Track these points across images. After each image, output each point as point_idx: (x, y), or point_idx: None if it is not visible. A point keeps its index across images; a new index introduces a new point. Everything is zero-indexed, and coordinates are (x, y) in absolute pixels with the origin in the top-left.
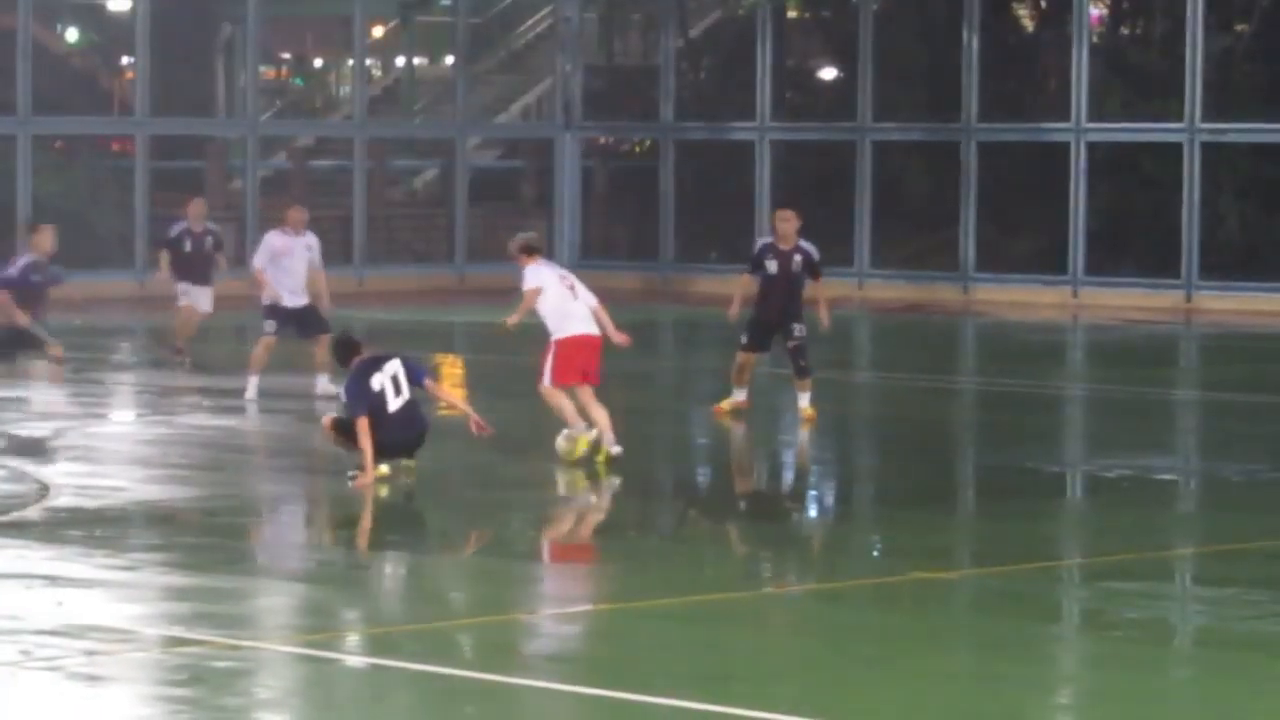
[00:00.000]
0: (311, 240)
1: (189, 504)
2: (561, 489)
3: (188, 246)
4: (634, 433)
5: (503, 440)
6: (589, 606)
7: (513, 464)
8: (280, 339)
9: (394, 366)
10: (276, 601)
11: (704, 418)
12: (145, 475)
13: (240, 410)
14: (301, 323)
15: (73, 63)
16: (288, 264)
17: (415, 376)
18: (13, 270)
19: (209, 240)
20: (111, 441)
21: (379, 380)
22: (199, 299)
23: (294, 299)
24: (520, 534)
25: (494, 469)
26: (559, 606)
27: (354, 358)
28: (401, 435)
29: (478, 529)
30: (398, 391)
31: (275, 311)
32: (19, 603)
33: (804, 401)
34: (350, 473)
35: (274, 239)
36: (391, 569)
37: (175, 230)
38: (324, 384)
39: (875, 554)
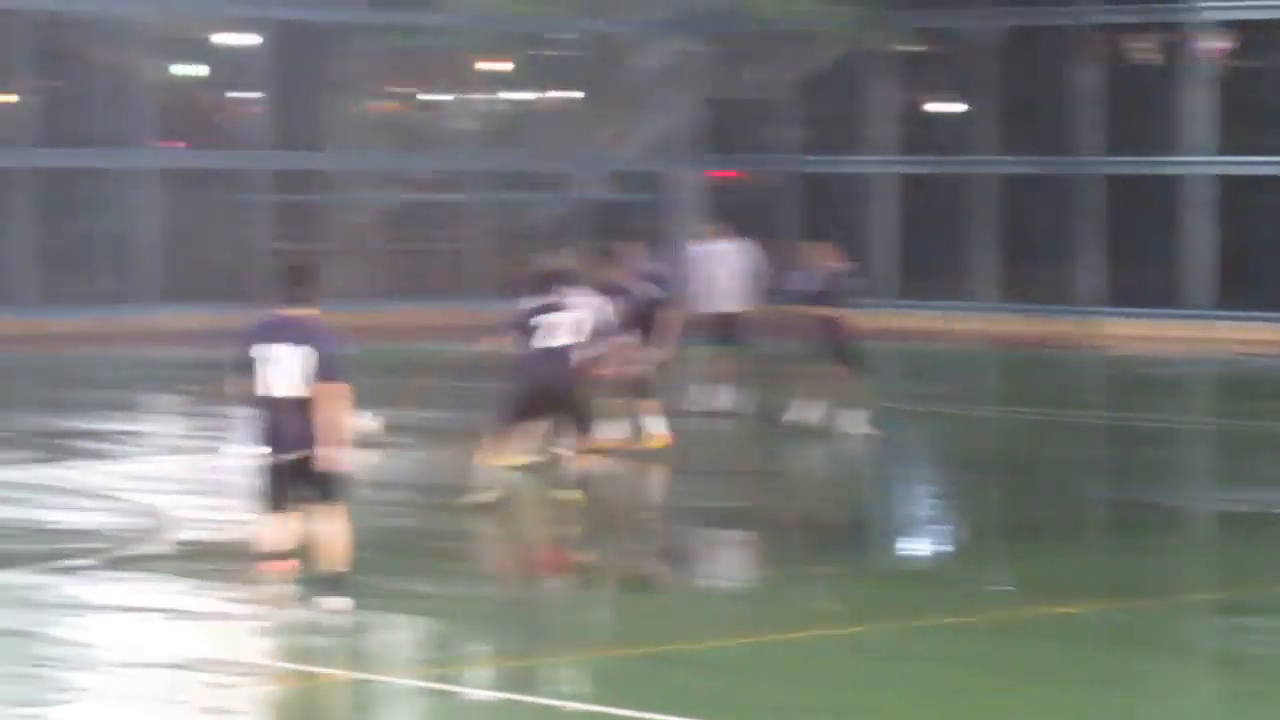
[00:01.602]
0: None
1: (310, 537)
2: (691, 521)
3: None
4: (767, 466)
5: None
6: (720, 640)
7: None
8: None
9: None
10: (401, 635)
11: (844, 452)
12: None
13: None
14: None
15: (191, 97)
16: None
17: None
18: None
19: None
20: (233, 475)
21: None
22: None
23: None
24: (652, 566)
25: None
26: (691, 640)
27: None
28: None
29: (611, 559)
30: None
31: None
32: (143, 636)
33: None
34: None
35: None
36: (524, 600)
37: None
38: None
39: (1000, 588)
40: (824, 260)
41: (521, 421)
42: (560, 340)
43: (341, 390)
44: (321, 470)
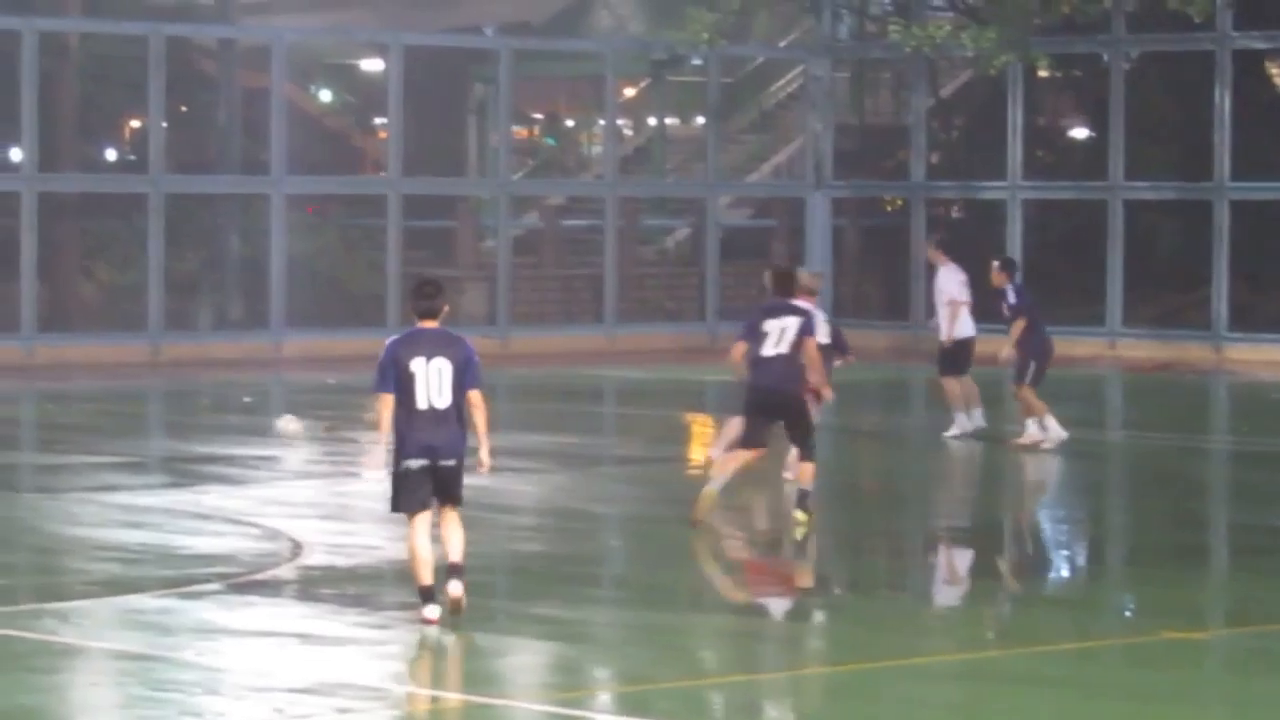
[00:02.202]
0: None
1: (439, 562)
2: (797, 543)
3: None
4: (877, 492)
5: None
6: (836, 666)
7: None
8: None
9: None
10: (529, 659)
11: (943, 474)
12: (398, 533)
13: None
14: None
15: (326, 123)
16: None
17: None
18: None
19: None
20: (364, 500)
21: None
22: None
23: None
24: (766, 592)
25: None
26: (805, 666)
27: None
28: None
29: (716, 584)
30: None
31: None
32: (272, 660)
33: None
34: None
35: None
36: (643, 626)
37: None
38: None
39: (1128, 613)
40: (998, 282)
41: (751, 431)
42: (786, 348)
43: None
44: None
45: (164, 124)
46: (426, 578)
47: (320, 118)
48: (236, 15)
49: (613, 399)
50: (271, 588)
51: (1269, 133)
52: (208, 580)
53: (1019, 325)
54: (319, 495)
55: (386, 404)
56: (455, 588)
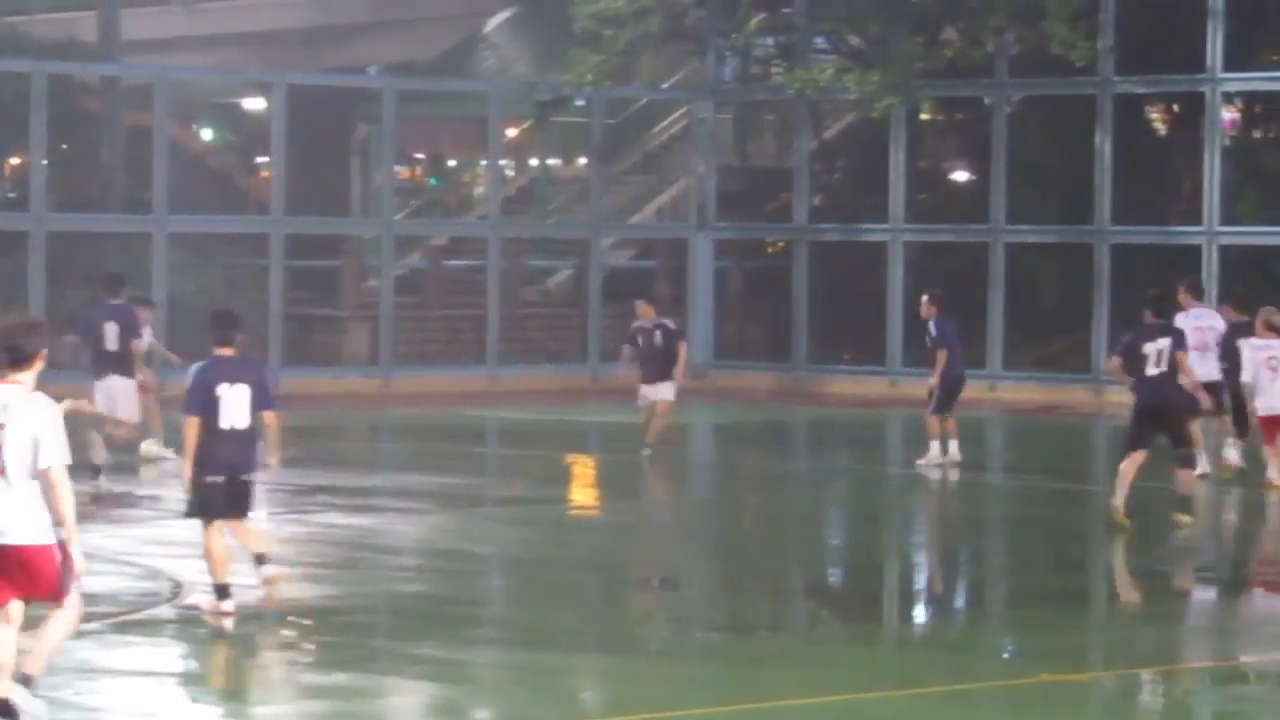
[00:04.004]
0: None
1: (322, 603)
2: (676, 585)
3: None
4: (765, 533)
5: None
6: (714, 707)
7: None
8: None
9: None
10: (409, 700)
11: (831, 517)
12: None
13: (371, 509)
14: None
15: (210, 162)
16: None
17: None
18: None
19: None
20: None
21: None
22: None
23: None
24: (649, 631)
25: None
26: (683, 706)
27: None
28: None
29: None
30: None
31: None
32: (151, 700)
33: None
34: None
35: None
36: (524, 666)
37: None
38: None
39: (1005, 655)
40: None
41: (1136, 447)
42: (1162, 367)
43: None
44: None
45: (45, 162)
46: (223, 575)
47: (204, 156)
48: (120, 53)
49: (495, 440)
50: (151, 627)
51: (1149, 177)
52: (87, 620)
53: (941, 356)
54: (199, 535)
55: (193, 426)
56: (270, 569)
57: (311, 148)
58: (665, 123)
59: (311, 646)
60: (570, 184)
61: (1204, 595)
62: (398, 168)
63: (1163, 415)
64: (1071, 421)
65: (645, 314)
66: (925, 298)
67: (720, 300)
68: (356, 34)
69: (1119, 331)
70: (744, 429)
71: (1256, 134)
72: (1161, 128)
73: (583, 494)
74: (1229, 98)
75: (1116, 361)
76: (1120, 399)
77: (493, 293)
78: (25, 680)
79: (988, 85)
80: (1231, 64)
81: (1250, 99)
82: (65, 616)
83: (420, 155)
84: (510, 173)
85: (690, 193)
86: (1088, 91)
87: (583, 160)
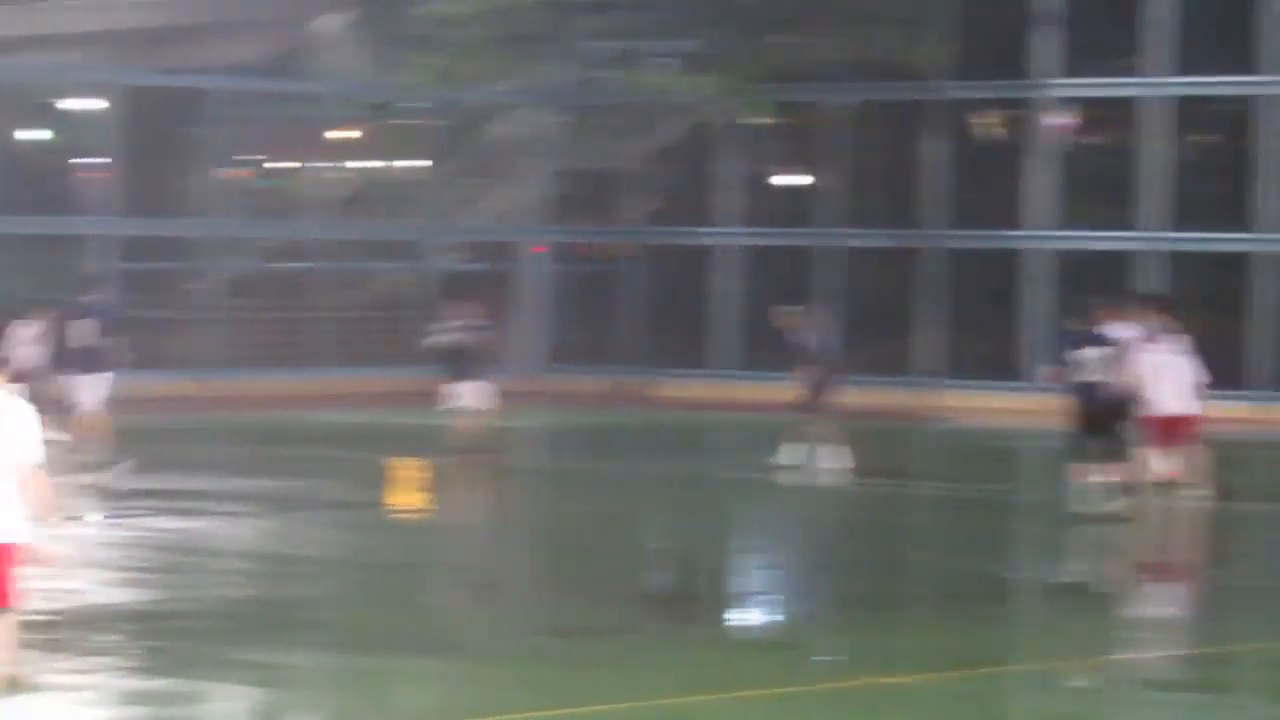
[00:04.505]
0: None
1: (145, 607)
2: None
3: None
4: (592, 536)
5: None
6: (542, 710)
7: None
8: None
9: None
10: (232, 705)
11: (659, 520)
12: (105, 578)
13: (196, 513)
14: None
15: (41, 162)
16: None
17: None
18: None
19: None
20: (66, 544)
21: None
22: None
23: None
24: (478, 635)
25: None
26: (511, 710)
27: None
28: None
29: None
30: None
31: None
32: None
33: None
34: None
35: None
36: (350, 670)
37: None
38: None
39: (830, 658)
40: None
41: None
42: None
43: None
44: None
45: None
46: None
47: (35, 157)
48: None
49: (323, 443)
50: None
51: (981, 182)
52: None
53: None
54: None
55: None
56: None
57: (145, 149)
58: (502, 126)
59: (136, 651)
60: (405, 187)
61: (1043, 598)
62: (232, 169)
63: (1099, 419)
64: (902, 425)
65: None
66: (791, 309)
67: (556, 304)
68: (193, 35)
69: (952, 335)
70: (575, 432)
71: (1088, 140)
72: (995, 133)
73: (409, 497)
74: (1062, 103)
75: (1052, 370)
76: (953, 402)
77: (324, 295)
78: None
79: (823, 90)
80: (1064, 70)
81: (1084, 105)
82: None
83: (254, 157)
84: (344, 175)
85: (526, 196)
86: (922, 97)
87: (418, 163)
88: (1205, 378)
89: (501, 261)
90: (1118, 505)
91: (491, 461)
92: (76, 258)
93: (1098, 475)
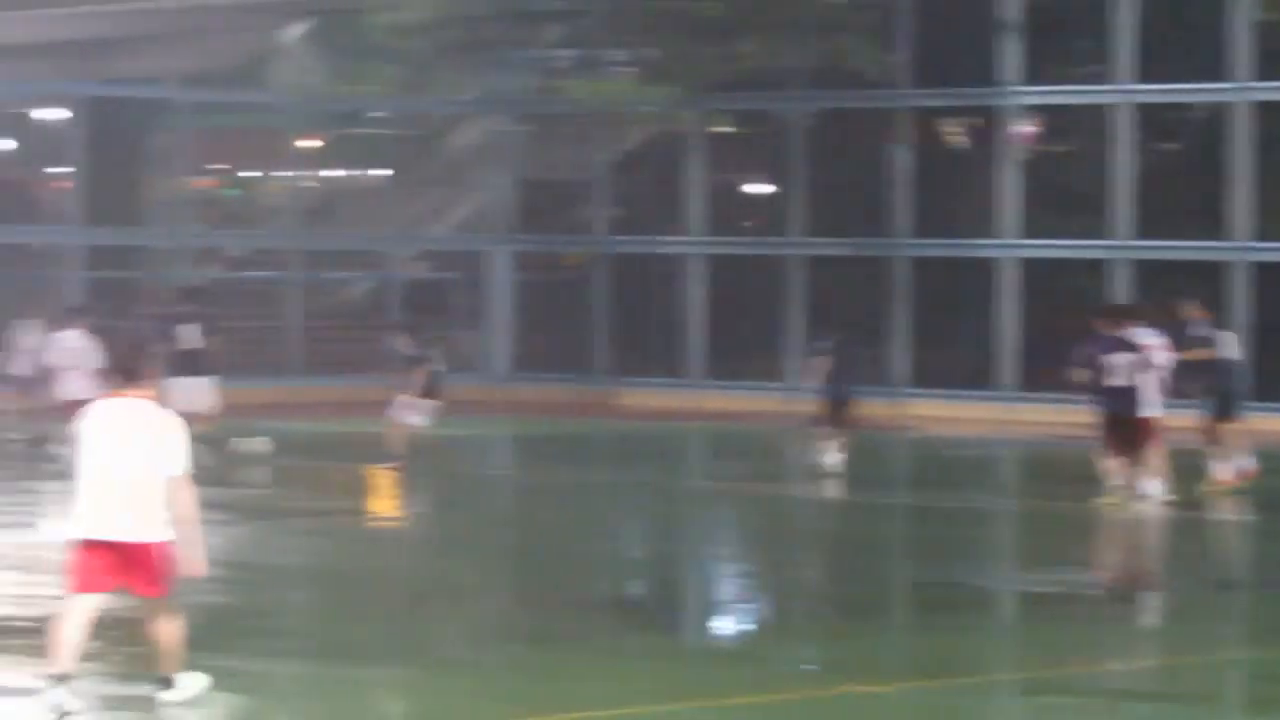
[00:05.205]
0: None
1: (126, 613)
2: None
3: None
4: (563, 545)
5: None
6: (520, 719)
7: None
8: None
9: None
10: (207, 713)
11: (630, 530)
12: None
13: None
14: None
15: (2, 172)
16: None
17: None
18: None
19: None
20: (46, 550)
21: None
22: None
23: None
24: (449, 644)
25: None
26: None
27: None
28: None
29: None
30: None
31: None
32: None
33: None
34: None
35: None
36: (324, 678)
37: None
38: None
39: (806, 667)
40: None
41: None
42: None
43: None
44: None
45: None
46: None
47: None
48: None
49: (292, 452)
50: None
51: (946, 190)
52: None
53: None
54: (0, 546)
55: None
56: None
57: (107, 158)
58: (463, 135)
59: (116, 658)
60: (368, 196)
61: (1021, 606)
62: (194, 179)
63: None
64: (869, 434)
65: None
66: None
67: (519, 313)
68: (152, 45)
69: (919, 343)
70: (540, 441)
71: (1053, 148)
72: (958, 141)
73: (378, 506)
74: (1025, 111)
75: (1080, 373)
76: (920, 411)
77: (290, 305)
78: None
79: (784, 98)
80: (1028, 77)
81: (1046, 112)
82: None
83: (217, 166)
84: (308, 184)
85: (489, 205)
86: (885, 104)
87: (381, 172)
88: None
89: (465, 271)
90: (1134, 505)
91: (456, 471)
92: (39, 267)
93: (1124, 477)
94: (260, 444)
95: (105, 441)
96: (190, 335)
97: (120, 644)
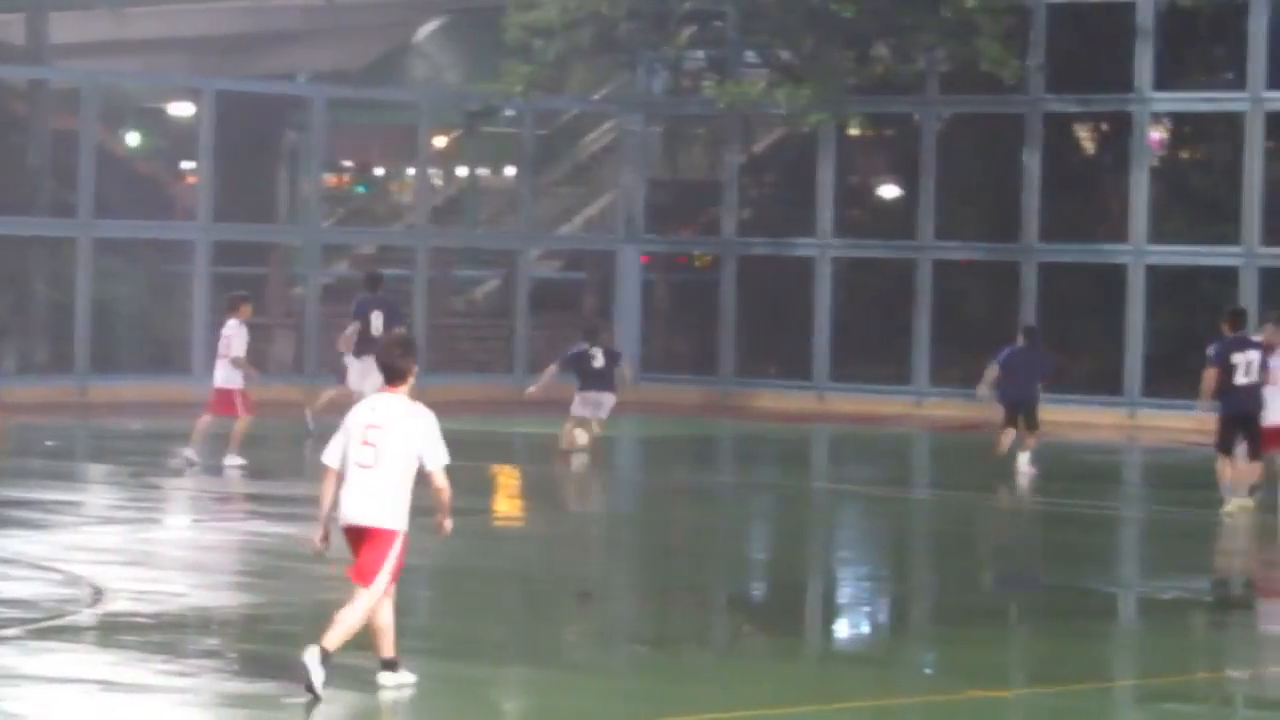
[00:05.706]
0: None
1: (246, 611)
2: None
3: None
4: (691, 547)
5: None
6: None
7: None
8: None
9: None
10: (330, 710)
11: (757, 532)
12: (201, 581)
13: (296, 518)
14: None
15: (136, 167)
16: None
17: None
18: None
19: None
20: (168, 547)
21: None
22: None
23: None
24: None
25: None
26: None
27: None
28: None
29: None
30: None
31: None
32: (75, 707)
33: None
34: None
35: None
36: (452, 678)
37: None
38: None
39: (928, 671)
40: None
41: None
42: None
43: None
44: None
45: None
46: None
47: (130, 161)
48: (48, 57)
49: None
50: (71, 634)
51: (1077, 195)
52: (7, 625)
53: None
54: (122, 541)
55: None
56: None
57: (239, 154)
58: (595, 134)
59: (234, 655)
60: (498, 194)
61: (1144, 612)
62: (326, 175)
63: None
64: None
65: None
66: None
67: (647, 313)
68: (287, 41)
69: (1048, 348)
70: (670, 442)
71: (1184, 154)
72: (1090, 147)
73: (509, 505)
74: (1157, 117)
75: (1211, 372)
76: (1048, 417)
77: (419, 302)
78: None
79: (918, 102)
80: (1160, 84)
81: (1179, 119)
82: (364, 599)
83: (348, 163)
84: (438, 182)
85: (619, 205)
86: (1017, 110)
87: (511, 171)
88: None
89: (595, 270)
90: (1243, 504)
91: (595, 471)
92: (173, 262)
93: (1242, 476)
94: None
95: (366, 435)
96: (381, 323)
97: (237, 641)
